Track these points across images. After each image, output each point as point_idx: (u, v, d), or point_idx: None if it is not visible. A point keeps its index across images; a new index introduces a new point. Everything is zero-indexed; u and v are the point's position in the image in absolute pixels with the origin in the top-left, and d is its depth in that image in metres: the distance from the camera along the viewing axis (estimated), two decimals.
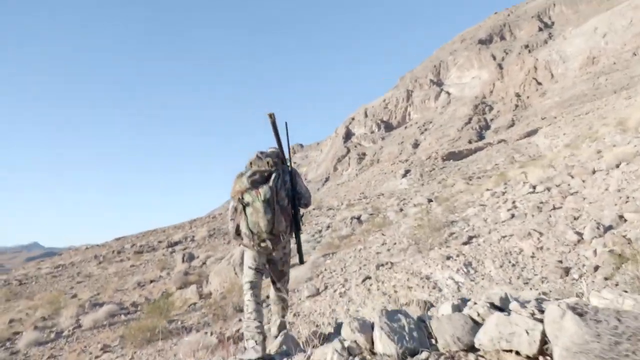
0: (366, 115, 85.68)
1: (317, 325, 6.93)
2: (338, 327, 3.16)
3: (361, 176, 61.36)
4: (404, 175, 49.81)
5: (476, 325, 2.10)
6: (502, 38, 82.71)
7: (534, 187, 11.32)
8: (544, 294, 5.79)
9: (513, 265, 7.33)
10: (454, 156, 54.45)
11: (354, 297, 7.59)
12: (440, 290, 7.08)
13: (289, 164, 3.26)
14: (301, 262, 3.40)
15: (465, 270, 7.50)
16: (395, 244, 10.58)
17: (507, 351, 1.90)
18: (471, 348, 2.02)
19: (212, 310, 8.97)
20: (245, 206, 2.93)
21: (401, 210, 23.15)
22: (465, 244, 8.57)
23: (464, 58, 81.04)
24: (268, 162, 3.06)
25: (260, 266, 3.18)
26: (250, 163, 3.10)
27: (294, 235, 3.32)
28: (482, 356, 1.97)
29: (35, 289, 21.34)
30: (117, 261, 25.48)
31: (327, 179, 76.88)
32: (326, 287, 8.60)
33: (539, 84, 72.74)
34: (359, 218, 22.94)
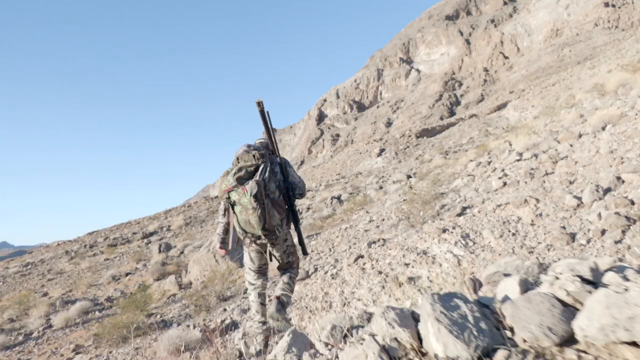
0: (338, 96, 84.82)
1: (311, 311, 6.34)
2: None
3: (336, 157, 60.87)
4: (379, 154, 49.57)
5: (566, 308, 1.51)
6: (469, 13, 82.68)
7: (521, 155, 10.95)
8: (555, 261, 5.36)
9: (513, 234, 6.88)
10: (427, 133, 54.49)
11: (347, 278, 7.02)
12: (440, 265, 6.57)
13: (277, 153, 3.08)
14: (304, 253, 3.23)
15: (463, 242, 7.01)
16: (383, 220, 10.05)
17: (625, 343, 1.33)
18: (567, 340, 1.43)
19: (194, 301, 8.28)
20: (233, 205, 2.74)
21: (381, 187, 22.74)
22: (459, 215, 8.09)
23: (432, 35, 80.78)
24: (254, 156, 2.82)
25: (261, 267, 3.11)
26: (237, 158, 2.87)
27: (292, 227, 3.10)
28: (585, 351, 1.39)
29: (3, 290, 20.07)
30: (89, 256, 24.30)
31: (302, 162, 76.09)
32: (316, 269, 8.00)
33: (506, 57, 73.29)
34: (339, 198, 22.43)
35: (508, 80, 68.77)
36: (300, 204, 24.60)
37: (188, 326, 7.27)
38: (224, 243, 3.21)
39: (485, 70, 72.95)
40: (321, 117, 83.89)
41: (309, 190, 29.05)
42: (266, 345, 2.96)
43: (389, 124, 72.41)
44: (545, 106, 39.96)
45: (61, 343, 9.44)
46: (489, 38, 74.88)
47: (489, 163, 11.87)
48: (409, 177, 23.44)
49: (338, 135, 76.83)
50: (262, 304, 3.13)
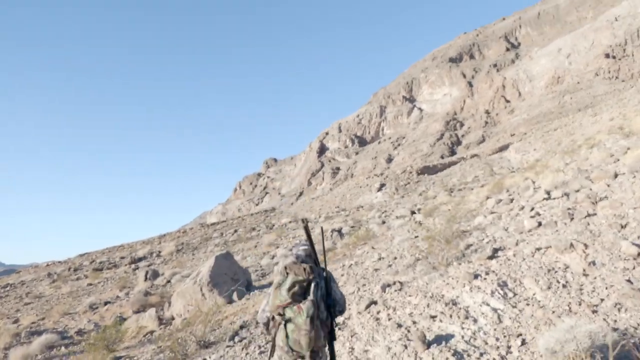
0: (340, 130, 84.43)
1: None
2: None
3: (336, 190, 59.69)
4: (379, 189, 48.39)
5: None
6: (472, 57, 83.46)
7: (549, 193, 9.69)
8: None
9: (564, 286, 5.51)
10: (429, 170, 53.54)
11: (357, 330, 5.58)
12: (475, 320, 5.17)
13: (323, 266, 3.04)
14: None
15: (501, 292, 5.63)
16: (395, 258, 8.66)
17: None
18: None
19: (170, 345, 6.78)
20: (286, 322, 2.63)
21: (383, 222, 21.38)
22: (490, 258, 6.73)
23: (435, 75, 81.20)
24: (305, 270, 2.76)
25: None
26: (286, 268, 2.81)
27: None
28: None
29: None
30: (72, 279, 22.61)
31: (301, 194, 74.82)
32: None
33: (507, 101, 73.32)
34: (339, 231, 21.01)
35: (509, 123, 68.46)
36: (298, 235, 23.17)
37: None
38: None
39: (487, 112, 72.83)
40: (322, 150, 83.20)
41: (309, 222, 27.61)
42: None
43: (389, 159, 71.62)
44: (547, 150, 39.18)
45: None
46: (491, 81, 75.20)
47: (512, 201, 10.59)
48: (412, 212, 22.06)
49: (338, 169, 75.91)
50: None
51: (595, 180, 9.55)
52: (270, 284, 11.36)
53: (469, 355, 4.53)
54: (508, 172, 32.01)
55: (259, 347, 6.04)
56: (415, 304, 5.83)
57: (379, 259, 9.11)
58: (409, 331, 5.19)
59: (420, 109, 79.64)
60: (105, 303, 14.63)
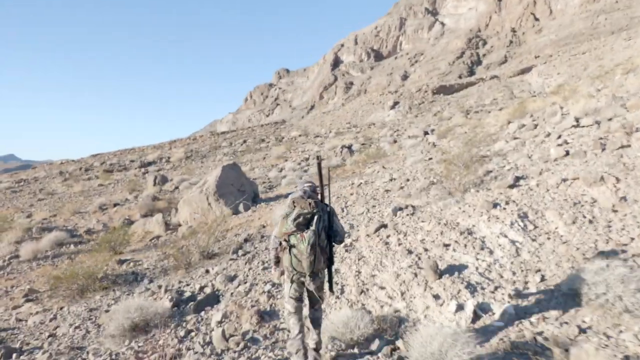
0: (356, 43, 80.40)
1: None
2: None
3: (348, 106, 58.29)
4: (392, 107, 47.04)
5: None
6: None
7: (578, 120, 8.96)
8: None
9: (590, 221, 5.09)
10: (445, 90, 51.58)
11: (365, 254, 5.31)
12: (491, 252, 4.83)
13: (327, 202, 3.33)
14: (331, 290, 3.40)
15: (521, 224, 5.24)
16: (408, 180, 8.24)
17: None
18: None
19: (173, 254, 6.66)
20: (291, 247, 3.05)
21: (395, 141, 20.81)
22: (512, 186, 6.27)
23: None
24: (310, 204, 3.09)
25: (300, 295, 3.31)
26: (293, 202, 3.15)
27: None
28: None
29: None
30: (84, 179, 22.82)
31: (312, 107, 73.37)
32: None
33: (537, 19, 68.48)
34: (349, 147, 20.54)
35: (535, 44, 64.52)
36: (308, 149, 22.80)
37: (160, 287, 5.69)
38: (277, 264, 3.39)
39: (513, 30, 68.40)
40: (336, 63, 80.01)
41: (317, 136, 27.11)
42: (306, 358, 3.26)
43: (405, 77, 68.98)
44: (572, 75, 37.06)
45: (20, 280, 8.00)
46: None
47: (536, 126, 9.89)
48: (426, 133, 21.34)
49: (352, 83, 73.55)
50: (302, 326, 3.32)
51: (632, 108, 8.75)
52: (277, 197, 11.17)
53: (482, 289, 4.25)
54: (529, 96, 30.55)
55: (262, 262, 5.85)
56: (428, 230, 5.49)
57: (391, 179, 8.71)
58: (419, 258, 4.90)
59: (443, 24, 74.89)
60: (115, 205, 14.74)
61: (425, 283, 4.42)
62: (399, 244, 5.30)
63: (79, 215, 14.05)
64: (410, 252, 5.07)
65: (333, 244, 3.24)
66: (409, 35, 76.79)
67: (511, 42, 67.54)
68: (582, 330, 3.41)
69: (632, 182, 5.71)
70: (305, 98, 79.69)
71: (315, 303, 3.38)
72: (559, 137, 8.17)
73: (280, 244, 3.18)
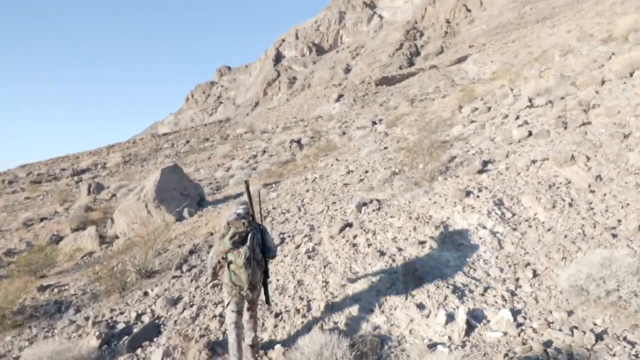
0: (297, 37, 79.49)
1: (278, 315, 3.91)
2: None
3: (293, 101, 57.46)
4: (337, 100, 46.75)
5: None
6: None
7: (531, 100, 8.74)
8: None
9: (570, 204, 4.67)
10: (387, 81, 51.97)
11: (331, 259, 4.58)
12: (472, 247, 4.27)
13: (260, 222, 3.64)
14: (267, 302, 3.58)
15: (498, 212, 4.73)
16: (367, 172, 7.61)
17: None
18: None
19: (105, 274, 5.62)
20: (229, 263, 3.30)
21: (344, 133, 20.28)
22: (480, 172, 5.78)
23: None
24: (244, 223, 3.34)
25: (240, 309, 3.45)
26: (228, 224, 3.36)
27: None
28: None
29: None
30: (8, 192, 20.48)
31: (256, 104, 71.80)
32: (283, 240, 5.50)
33: (469, 10, 70.80)
34: (299, 142, 19.73)
35: (469, 34, 66.65)
36: (255, 146, 21.75)
37: (87, 319, 4.66)
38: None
39: (447, 21, 70.31)
40: (279, 58, 78.73)
41: (264, 132, 26.08)
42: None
43: (347, 70, 69.08)
44: (504, 62, 38.41)
45: None
46: None
47: (489, 109, 9.61)
48: (374, 123, 20.95)
49: (295, 78, 72.71)
50: (240, 344, 3.40)
51: (582, 86, 8.63)
52: (225, 198, 10.20)
53: (471, 291, 3.66)
54: (469, 83, 31.16)
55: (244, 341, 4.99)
56: (399, 226, 4.86)
57: (348, 172, 8.04)
58: (394, 260, 4.25)
59: (381, 17, 75.68)
60: (42, 219, 13.08)
61: (405, 290, 3.77)
62: (369, 245, 4.63)
63: (0, 233, 12.33)
64: (382, 253, 4.40)
65: (267, 259, 3.48)
66: (349, 28, 76.96)
67: (446, 32, 69.43)
68: (598, 337, 2.87)
69: (603, 160, 5.38)
70: (249, 95, 77.90)
71: (252, 307, 3.53)
72: (517, 117, 7.86)
73: (219, 262, 3.42)
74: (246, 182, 3.57)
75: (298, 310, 3.86)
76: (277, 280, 4.49)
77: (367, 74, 62.34)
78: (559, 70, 10.88)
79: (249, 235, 3.30)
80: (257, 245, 3.36)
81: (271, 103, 68.02)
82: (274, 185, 10.16)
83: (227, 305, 3.41)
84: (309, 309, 3.89)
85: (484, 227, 4.52)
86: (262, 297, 3.57)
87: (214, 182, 14.41)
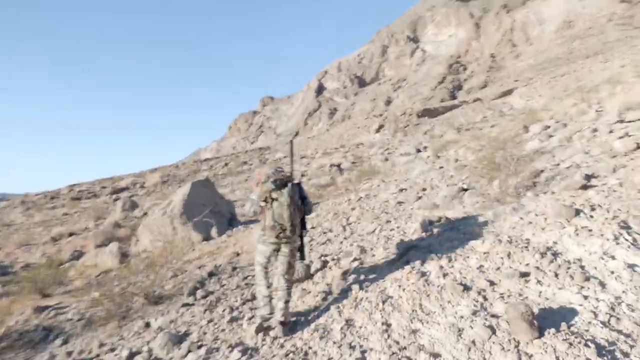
0: (340, 70, 79.96)
1: None
2: None
3: (333, 130, 56.96)
4: (378, 130, 45.76)
5: None
6: None
7: (621, 115, 7.25)
8: None
9: None
10: (429, 113, 50.58)
11: (392, 293, 3.30)
12: (602, 284, 2.89)
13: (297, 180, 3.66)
14: (302, 258, 3.59)
15: (628, 238, 3.33)
16: (424, 190, 6.32)
17: None
18: None
19: (101, 297, 4.56)
20: (272, 201, 3.35)
21: (386, 159, 19.05)
22: (585, 187, 4.39)
23: (442, 15, 75.86)
24: (283, 176, 3.50)
25: (269, 261, 3.45)
26: (268, 176, 3.50)
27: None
28: None
29: None
30: (48, 208, 20.37)
31: (297, 133, 71.90)
32: (324, 263, 4.27)
33: (514, 45, 69.06)
34: (339, 166, 18.66)
35: (514, 69, 64.69)
36: (294, 168, 20.86)
37: (69, 354, 3.56)
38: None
39: (492, 56, 68.76)
40: (320, 90, 79.17)
41: (303, 157, 25.23)
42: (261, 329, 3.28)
43: (388, 102, 68.32)
44: (552, 96, 36.36)
45: None
46: (499, 24, 70.48)
47: (565, 126, 8.16)
48: (418, 150, 19.60)
49: (336, 109, 72.61)
50: (269, 285, 3.40)
51: None
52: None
53: (625, 355, 2.28)
54: (519, 114, 29.41)
55: (231, 309, 3.80)
56: (484, 252, 3.53)
57: (400, 190, 6.78)
58: (485, 298, 2.93)
59: (424, 50, 75.07)
60: (70, 234, 12.46)
61: (516, 346, 2.43)
62: (444, 275, 3.32)
63: (27, 247, 11.74)
64: (466, 287, 3.08)
65: (305, 212, 3.54)
66: (391, 61, 76.70)
67: (491, 67, 67.82)
68: None
69: None
70: (290, 124, 78.33)
71: (286, 271, 3.42)
72: (611, 131, 6.40)
73: (265, 200, 3.38)
74: (290, 141, 3.74)
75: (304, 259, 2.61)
76: (317, 317, 3.25)
77: (409, 106, 61.27)
78: (632, 92, 9.31)
79: (289, 184, 3.42)
80: (296, 193, 3.45)
81: (311, 132, 67.92)
82: (313, 205, 9.00)
83: (258, 257, 3.43)
84: None
85: (613, 258, 3.13)
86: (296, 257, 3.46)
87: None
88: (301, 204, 3.51)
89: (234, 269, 5.05)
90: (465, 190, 5.38)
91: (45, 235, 13.77)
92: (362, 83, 76.95)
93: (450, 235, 3.99)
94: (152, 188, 21.46)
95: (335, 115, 71.84)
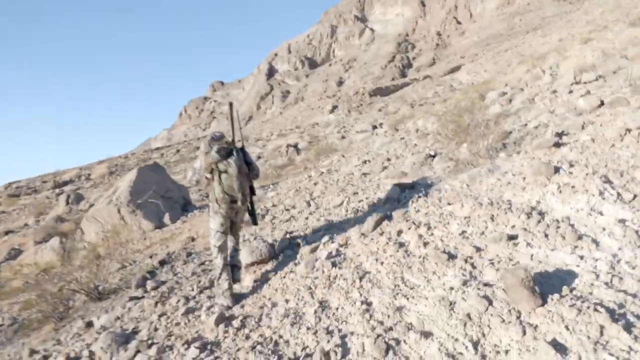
0: (290, 52, 78.55)
1: None
2: None
3: (286, 113, 56.15)
4: (332, 111, 45.44)
5: None
6: None
7: (575, 77, 7.21)
8: None
9: None
10: (381, 92, 50.85)
11: (369, 268, 2.91)
12: (595, 242, 2.64)
13: (240, 142, 3.50)
14: (254, 223, 3.55)
15: (612, 192, 3.11)
16: (389, 160, 5.98)
17: None
18: None
19: (44, 294, 3.92)
20: (220, 173, 3.19)
21: (343, 137, 18.74)
22: (557, 145, 4.17)
23: None
24: (226, 142, 3.29)
25: (225, 229, 3.37)
26: (209, 143, 3.28)
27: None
28: None
29: None
30: None
31: (250, 118, 70.37)
32: (290, 242, 3.83)
33: (459, 23, 70.46)
34: (296, 146, 18.13)
35: (460, 46, 66.08)
36: (249, 151, 20.16)
37: None
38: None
39: (438, 34, 69.85)
40: (271, 72, 77.60)
41: (258, 140, 24.47)
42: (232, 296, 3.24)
43: (340, 83, 68.08)
44: (497, 71, 37.37)
45: None
46: (443, 1, 71.57)
47: (522, 90, 8.09)
48: (374, 127, 19.42)
49: (288, 92, 71.56)
50: (226, 264, 3.31)
51: (635, 59, 7.16)
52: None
53: (637, 316, 2.01)
54: (470, 88, 29.94)
55: (187, 299, 3.31)
56: (465, 216, 3.21)
57: (364, 162, 6.43)
58: (474, 266, 2.60)
59: (372, 30, 75.07)
60: (6, 232, 11.31)
61: (518, 317, 2.11)
62: (425, 244, 2.97)
63: None
64: (451, 255, 2.75)
65: (252, 176, 3.44)
66: (341, 42, 76.21)
67: (437, 44, 68.91)
68: None
69: None
70: (243, 109, 76.45)
71: (236, 233, 3.56)
72: (571, 92, 6.31)
73: (208, 176, 3.25)
74: (230, 103, 3.47)
75: (327, 355, 2.18)
76: (287, 301, 2.82)
77: (361, 86, 61.29)
78: (602, 46, 9.41)
79: (234, 151, 3.26)
80: (242, 161, 3.30)
81: (265, 116, 66.68)
82: (271, 186, 8.51)
83: (213, 225, 3.31)
84: (346, 351, 2.22)
85: (601, 214, 2.89)
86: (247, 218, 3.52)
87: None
88: (247, 171, 3.35)
89: (189, 254, 4.52)
90: (433, 156, 5.09)
91: None
92: (313, 64, 76.14)
93: (424, 201, 3.65)
94: (99, 180, 20.07)
95: (287, 97, 70.85)
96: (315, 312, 2.60)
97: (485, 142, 4.48)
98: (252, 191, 3.44)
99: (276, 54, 79.92)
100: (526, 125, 5.09)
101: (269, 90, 73.97)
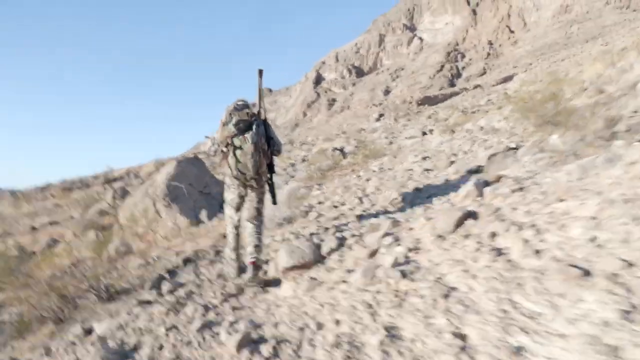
0: (337, 60, 78.26)
1: None
2: None
3: (332, 120, 55.69)
4: (378, 119, 44.40)
5: None
6: None
7: None
8: None
9: None
10: (429, 100, 49.27)
11: (454, 282, 2.04)
12: None
13: (263, 114, 3.17)
14: (274, 202, 3.29)
15: None
16: (455, 154, 5.04)
17: None
18: None
19: (41, 289, 3.33)
20: (235, 149, 2.94)
21: (391, 143, 17.77)
22: None
23: (438, 2, 74.03)
24: (247, 113, 3.01)
25: (240, 205, 3.19)
26: (230, 114, 3.02)
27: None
28: None
29: None
30: (38, 199, 19.12)
31: (296, 125, 70.52)
32: (341, 242, 3.01)
33: (512, 32, 67.49)
34: (342, 150, 17.32)
35: (512, 55, 63.17)
36: (294, 156, 19.59)
37: None
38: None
39: (490, 43, 67.21)
40: (318, 80, 77.54)
41: (304, 144, 23.92)
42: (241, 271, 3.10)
43: (387, 92, 66.83)
44: (553, 81, 34.95)
45: None
46: (496, 10, 68.84)
47: (609, 83, 6.87)
48: (424, 133, 18.19)
49: (334, 100, 71.10)
50: (237, 236, 3.16)
51: None
52: None
53: None
54: (539, 85, 28.07)
55: (206, 309, 2.56)
56: (592, 216, 2.25)
57: (424, 158, 5.51)
58: (629, 290, 1.67)
59: (421, 39, 73.36)
60: (51, 223, 11.25)
61: None
62: (536, 252, 2.05)
63: (2, 237, 10.53)
64: (585, 272, 1.82)
65: (273, 153, 3.15)
66: (388, 51, 75.05)
67: (489, 54, 66.32)
68: None
69: None
70: (289, 116, 76.82)
71: (255, 217, 3.18)
72: None
73: (224, 150, 3.01)
74: (259, 70, 3.04)
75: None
76: (337, 323, 1.99)
77: (408, 95, 59.82)
78: None
79: (254, 125, 2.91)
80: (262, 135, 2.96)
81: (311, 123, 66.54)
82: (316, 186, 7.74)
83: (226, 196, 3.20)
84: None
85: None
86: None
87: None
88: (267, 148, 3.00)
89: (218, 252, 3.80)
90: (514, 149, 4.12)
91: (27, 225, 12.57)
92: (360, 73, 75.37)
93: (521, 197, 2.71)
94: (147, 177, 20.15)
95: (334, 105, 70.37)
96: (381, 343, 1.75)
97: (594, 127, 3.47)
98: (272, 169, 3.13)
99: (323, 62, 79.86)
100: (637, 112, 4.01)
101: (316, 98, 73.84)
